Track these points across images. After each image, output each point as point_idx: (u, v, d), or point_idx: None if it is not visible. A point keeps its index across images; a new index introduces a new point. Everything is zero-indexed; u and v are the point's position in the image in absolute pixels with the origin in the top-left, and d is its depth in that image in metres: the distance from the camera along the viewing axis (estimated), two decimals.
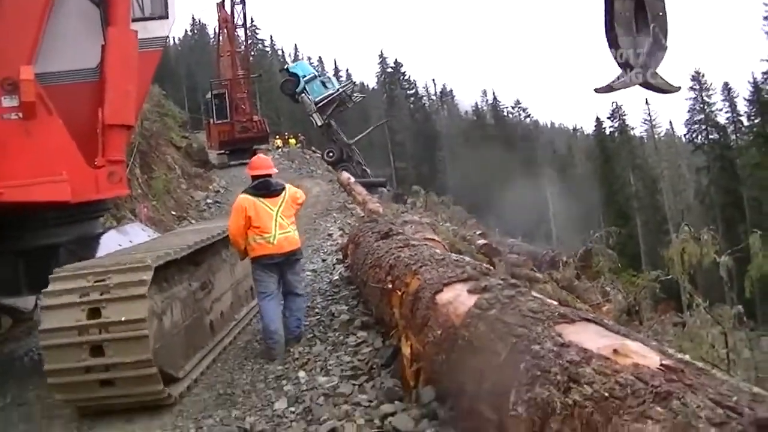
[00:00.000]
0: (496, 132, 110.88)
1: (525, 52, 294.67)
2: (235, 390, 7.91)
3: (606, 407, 3.03)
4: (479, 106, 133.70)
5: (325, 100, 43.01)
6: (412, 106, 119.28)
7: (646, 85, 6.81)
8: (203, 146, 45.14)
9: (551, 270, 22.68)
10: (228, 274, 10.81)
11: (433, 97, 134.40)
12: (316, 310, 10.96)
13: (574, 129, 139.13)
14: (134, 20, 9.90)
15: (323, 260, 15.98)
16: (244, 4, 48.13)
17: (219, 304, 10.05)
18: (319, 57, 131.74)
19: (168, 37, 11.25)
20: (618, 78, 6.74)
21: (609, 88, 6.81)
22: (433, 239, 11.69)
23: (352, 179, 34.17)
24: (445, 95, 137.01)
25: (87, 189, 9.21)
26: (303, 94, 43.76)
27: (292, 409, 6.90)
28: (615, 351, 3.43)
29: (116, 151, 9.45)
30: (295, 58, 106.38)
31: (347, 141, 44.48)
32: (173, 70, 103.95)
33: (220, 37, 51.47)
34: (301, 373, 7.91)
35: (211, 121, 48.53)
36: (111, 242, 10.33)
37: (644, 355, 3.36)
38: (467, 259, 8.06)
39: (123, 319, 6.75)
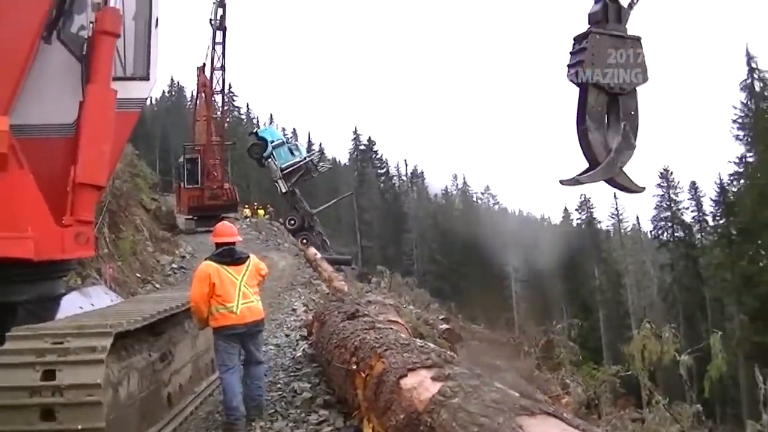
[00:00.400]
0: (463, 217, 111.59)
1: (498, 139, 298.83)
2: None
3: None
4: (449, 190, 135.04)
5: (291, 168, 43.17)
6: (382, 185, 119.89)
7: (612, 183, 6.89)
8: (172, 210, 45.12)
9: (512, 359, 22.76)
10: (189, 345, 10.35)
11: (404, 178, 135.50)
12: (279, 385, 10.91)
13: (542, 218, 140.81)
14: (114, 79, 9.80)
15: (287, 335, 15.92)
16: (224, 71, 48.64)
17: (178, 377, 9.57)
18: (294, 129, 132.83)
19: (147, 99, 11.28)
20: (584, 172, 6.81)
21: (575, 181, 6.84)
22: (397, 321, 11.75)
23: (319, 255, 34.27)
24: (416, 177, 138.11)
25: (52, 248, 8.98)
26: (270, 159, 43.95)
27: None
28: None
29: (85, 211, 9.24)
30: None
31: (310, 211, 44.57)
32: (148, 130, 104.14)
33: (198, 101, 51.81)
34: None
35: (182, 185, 48.64)
36: (72, 304, 10.25)
37: None
38: (432, 345, 8.18)
39: (78, 382, 6.51)
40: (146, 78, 10.52)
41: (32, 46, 9.20)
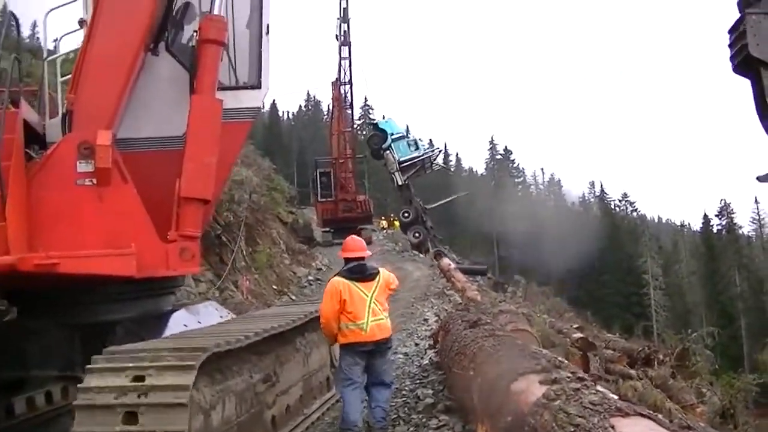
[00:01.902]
0: (602, 224, 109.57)
1: (635, 145, 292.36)
2: None
3: None
4: (586, 197, 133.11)
5: (409, 161, 43.08)
6: (519, 194, 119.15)
7: None
8: (309, 222, 46.07)
9: (646, 367, 22.38)
10: (300, 364, 9.93)
11: (541, 186, 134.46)
12: (404, 392, 11.22)
13: (681, 225, 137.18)
14: (226, 88, 9.65)
15: (416, 344, 16.19)
16: (351, 85, 49.55)
17: (285, 398, 9.14)
18: (430, 139, 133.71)
19: (260, 108, 10.73)
20: None
21: None
22: (526, 329, 11.88)
23: (453, 265, 34.37)
24: (553, 185, 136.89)
25: (155, 264, 8.71)
26: (388, 152, 44.11)
27: None
28: None
29: (191, 226, 8.89)
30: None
31: (423, 206, 44.27)
32: (285, 144, 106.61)
33: (332, 115, 52.87)
34: None
35: (317, 198, 49.88)
36: (177, 322, 9.73)
37: None
38: (544, 351, 8.32)
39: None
40: (258, 86, 10.12)
41: (135, 58, 8.97)
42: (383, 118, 46.53)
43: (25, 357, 8.81)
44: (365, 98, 46.65)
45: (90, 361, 6.57)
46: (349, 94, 49.86)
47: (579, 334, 23.74)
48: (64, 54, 10.52)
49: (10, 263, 7.41)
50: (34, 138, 8.96)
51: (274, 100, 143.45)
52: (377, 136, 45.31)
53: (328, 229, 47.05)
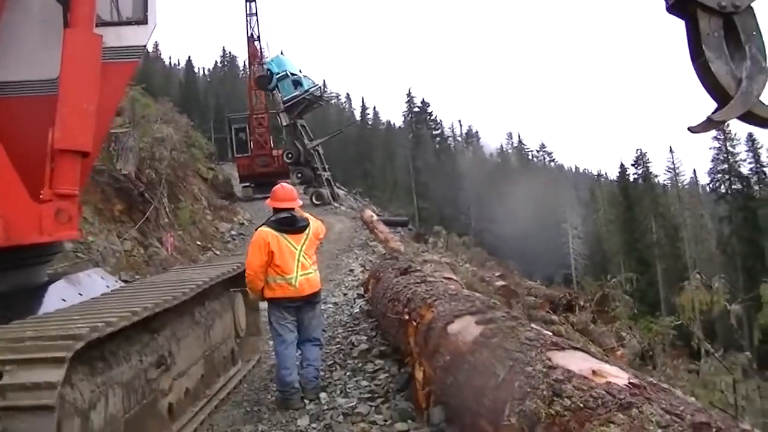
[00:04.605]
0: (520, 175, 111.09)
1: (551, 95, 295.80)
2: (261, 407, 8.47)
3: (581, 415, 3.68)
4: (504, 149, 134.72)
5: (293, 101, 42.83)
6: (437, 146, 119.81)
7: (749, 117, 5.55)
8: (229, 178, 45.87)
9: (567, 313, 23.05)
10: (200, 339, 8.43)
11: (459, 138, 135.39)
12: (337, 339, 11.38)
13: (598, 174, 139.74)
14: (106, 24, 8.30)
15: (344, 294, 16.36)
16: (259, 40, 49.32)
17: (183, 380, 7.66)
18: (347, 93, 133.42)
19: (146, 46, 9.15)
20: (714, 111, 5.50)
21: (709, 124, 5.49)
22: (451, 278, 12.16)
23: (375, 217, 34.66)
24: (471, 137, 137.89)
25: (26, 229, 7.28)
26: (275, 91, 43.92)
27: (314, 425, 7.50)
28: (593, 372, 4.11)
29: (67, 183, 7.45)
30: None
31: (308, 146, 43.90)
32: (201, 100, 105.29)
33: (250, 72, 52.47)
34: (323, 395, 8.40)
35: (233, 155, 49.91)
36: (54, 296, 8.16)
37: (617, 376, 4.03)
38: (477, 294, 8.63)
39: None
40: (144, 21, 8.66)
41: None
42: (281, 53, 46.18)
43: None
44: (281, 53, 46.20)
45: None
46: (265, 51, 49.66)
47: (501, 282, 24.33)
48: None
49: None
50: None
51: (189, 57, 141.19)
52: (264, 77, 45.00)
53: (247, 184, 46.98)
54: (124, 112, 25.49)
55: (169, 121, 30.84)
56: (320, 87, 47.37)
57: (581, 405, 3.73)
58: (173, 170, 28.18)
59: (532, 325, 5.74)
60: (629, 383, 3.82)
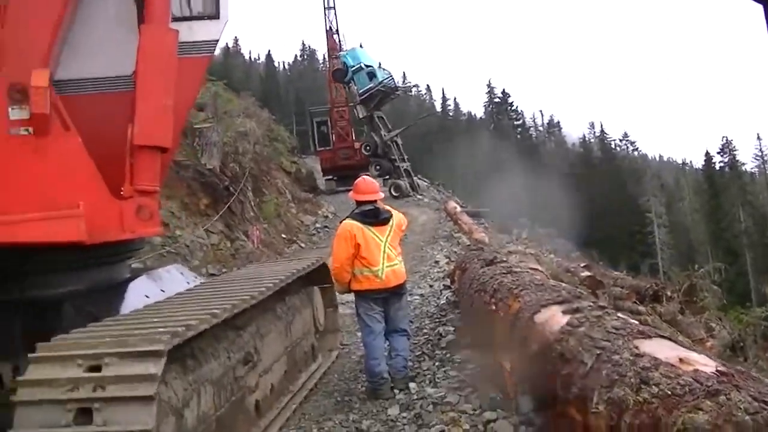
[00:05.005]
0: (603, 164, 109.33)
1: (634, 83, 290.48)
2: (351, 397, 8.64)
3: (668, 403, 3.74)
4: (587, 138, 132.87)
5: (368, 93, 42.65)
6: (518, 136, 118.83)
7: None
8: (311, 171, 46.20)
9: (654, 303, 22.73)
10: (282, 335, 8.53)
11: (540, 129, 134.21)
12: (425, 330, 11.45)
13: (683, 163, 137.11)
14: (178, 19, 8.19)
15: (430, 286, 16.42)
16: (338, 33, 49.37)
17: (268, 377, 7.77)
18: (427, 85, 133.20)
19: (219, 41, 9.00)
20: None
21: None
22: (536, 269, 12.14)
23: (458, 208, 34.62)
24: (552, 127, 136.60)
25: (108, 226, 7.31)
26: (351, 84, 43.88)
27: (404, 415, 7.63)
28: (680, 359, 4.17)
29: (148, 179, 7.48)
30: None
31: (385, 138, 43.58)
32: (282, 95, 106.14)
33: (329, 64, 52.67)
34: (412, 385, 8.52)
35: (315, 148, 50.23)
36: (137, 293, 8.26)
37: (705, 363, 4.08)
38: (563, 284, 8.67)
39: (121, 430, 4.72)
40: (216, 16, 8.60)
41: None
42: (360, 46, 46.13)
43: None
44: (360, 45, 46.59)
45: (33, 348, 5.20)
46: (343, 44, 49.73)
47: (587, 273, 24.16)
48: None
49: None
50: None
51: (269, 51, 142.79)
52: (340, 71, 45.03)
53: (330, 176, 47.22)
54: (207, 107, 26.07)
55: (252, 115, 31.33)
56: (393, 77, 47.15)
57: (669, 392, 3.80)
58: (257, 164, 28.62)
59: (619, 314, 5.80)
60: (717, 371, 3.88)
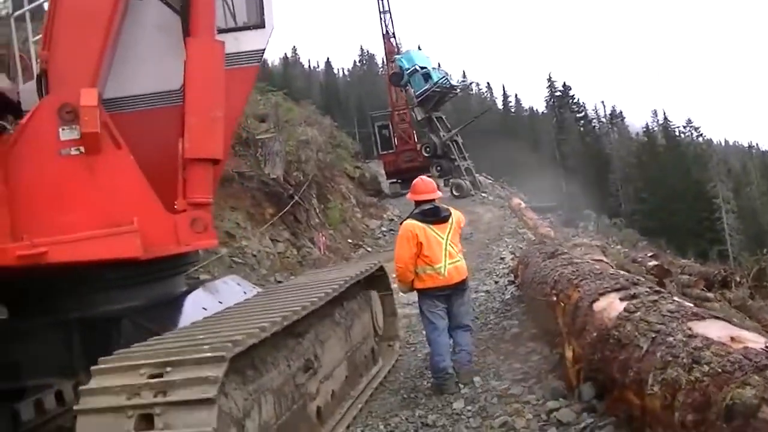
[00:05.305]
0: (667, 152, 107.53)
1: (695, 68, 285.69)
2: (417, 394, 8.74)
3: (719, 380, 3.83)
4: (650, 127, 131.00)
5: (424, 95, 42.56)
6: (581, 129, 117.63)
7: None
8: (375, 176, 46.34)
9: (723, 290, 22.41)
10: (341, 341, 8.42)
11: (603, 120, 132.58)
12: (489, 325, 11.55)
13: (749, 146, 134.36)
14: (223, 31, 8.21)
15: (496, 282, 16.38)
16: (394, 37, 49.52)
17: (329, 383, 7.65)
18: (488, 82, 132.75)
19: (265, 49, 8.88)
20: None
21: None
22: (601, 260, 12.16)
23: (523, 204, 34.56)
24: (615, 117, 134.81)
25: (163, 241, 7.38)
26: (408, 86, 43.85)
27: (469, 407, 7.73)
28: (732, 338, 4.26)
29: (201, 192, 7.53)
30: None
31: (443, 139, 43.31)
32: (343, 101, 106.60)
33: (388, 68, 52.79)
34: (477, 378, 8.61)
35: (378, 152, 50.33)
36: (195, 306, 8.25)
37: (755, 341, 4.15)
38: (621, 272, 8.70)
39: None
40: (261, 25, 8.55)
41: (115, 4, 7.46)
42: (418, 48, 46.13)
43: (18, 365, 7.34)
44: (418, 47, 46.64)
45: (93, 365, 5.21)
46: (402, 47, 49.69)
47: (654, 262, 23.91)
48: (32, 6, 8.54)
49: None
50: (8, 107, 7.86)
51: (328, 58, 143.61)
52: (397, 74, 45.13)
53: (394, 180, 47.26)
54: (269, 117, 26.39)
55: (313, 123, 31.65)
56: (449, 77, 47.04)
57: (719, 370, 3.89)
58: (320, 171, 28.82)
59: (675, 298, 5.86)
60: (766, 347, 3.94)
